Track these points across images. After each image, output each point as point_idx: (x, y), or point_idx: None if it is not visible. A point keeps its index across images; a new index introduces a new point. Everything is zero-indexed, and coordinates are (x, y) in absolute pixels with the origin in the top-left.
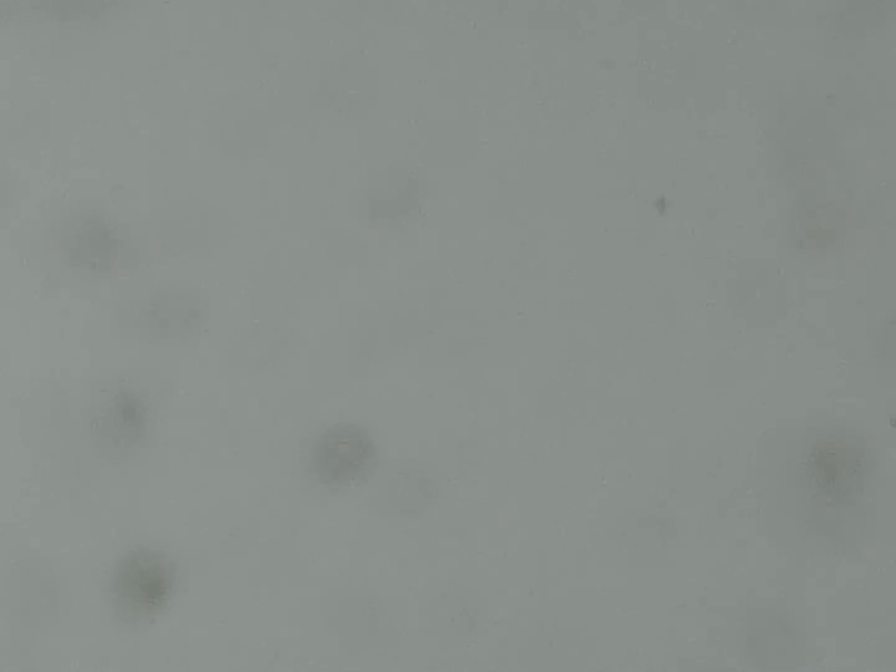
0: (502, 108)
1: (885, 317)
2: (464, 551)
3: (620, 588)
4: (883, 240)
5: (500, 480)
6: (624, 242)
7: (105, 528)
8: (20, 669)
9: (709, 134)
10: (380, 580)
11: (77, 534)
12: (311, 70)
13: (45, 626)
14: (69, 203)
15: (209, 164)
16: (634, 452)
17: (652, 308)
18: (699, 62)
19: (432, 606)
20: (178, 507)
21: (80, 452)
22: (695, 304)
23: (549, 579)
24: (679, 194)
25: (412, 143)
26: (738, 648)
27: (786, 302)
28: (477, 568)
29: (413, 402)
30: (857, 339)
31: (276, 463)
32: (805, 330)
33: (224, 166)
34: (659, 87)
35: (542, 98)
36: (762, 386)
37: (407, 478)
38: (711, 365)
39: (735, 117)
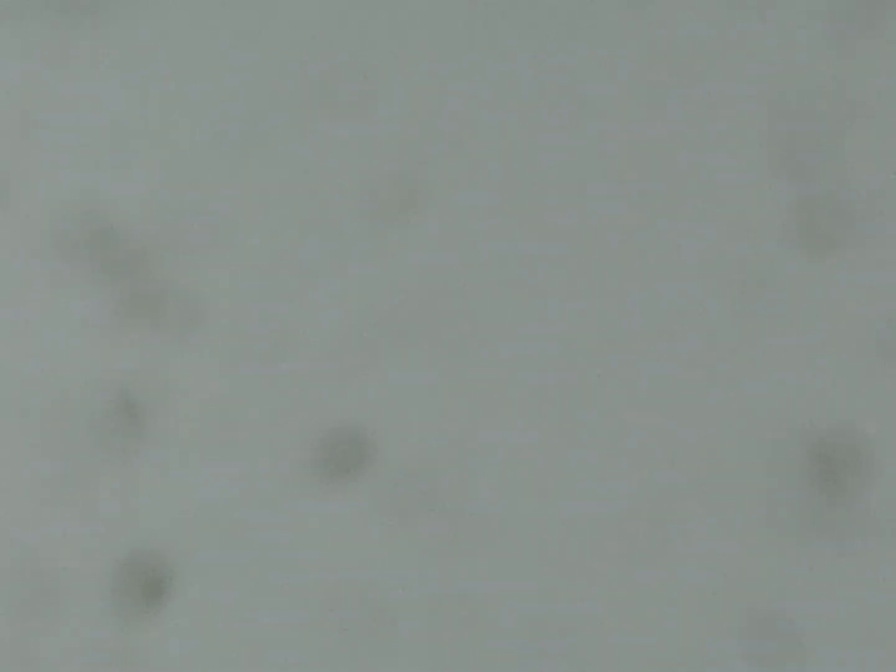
0: (502, 109)
1: (885, 317)
2: (464, 551)
3: (620, 587)
4: (883, 240)
5: (500, 481)
6: (624, 243)
7: (105, 528)
8: (20, 669)
9: (709, 134)
10: (380, 580)
11: (77, 534)
12: (311, 70)
13: (45, 626)
14: (69, 203)
15: (209, 164)
16: (635, 453)
17: (652, 308)
18: (699, 62)
19: (433, 606)
20: (178, 507)
21: (80, 452)
22: (695, 303)
23: (549, 579)
24: (679, 194)
25: (412, 143)
26: (737, 648)
27: (786, 302)
28: (477, 568)
29: (413, 402)
30: (857, 339)
31: (276, 463)
32: (805, 330)
33: (224, 166)
34: (659, 87)
35: (542, 98)
36: (762, 386)
37: (407, 478)
38: (711, 365)
39: (735, 117)
